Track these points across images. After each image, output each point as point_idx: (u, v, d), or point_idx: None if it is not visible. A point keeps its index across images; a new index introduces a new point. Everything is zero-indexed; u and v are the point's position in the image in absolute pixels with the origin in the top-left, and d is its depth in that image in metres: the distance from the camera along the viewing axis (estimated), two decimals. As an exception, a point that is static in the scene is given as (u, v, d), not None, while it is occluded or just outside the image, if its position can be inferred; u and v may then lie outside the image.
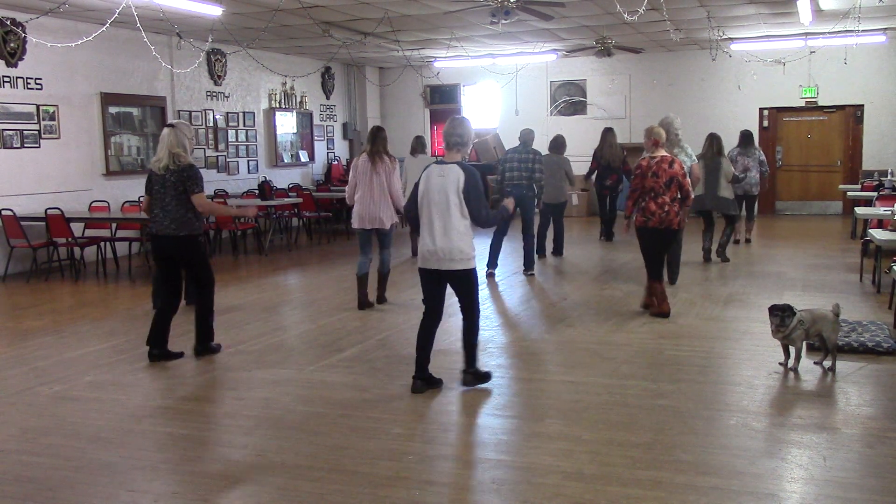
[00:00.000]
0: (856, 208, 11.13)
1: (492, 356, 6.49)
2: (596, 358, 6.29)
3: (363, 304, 8.30)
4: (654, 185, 7.34)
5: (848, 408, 5.16)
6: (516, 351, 6.67)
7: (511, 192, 9.85)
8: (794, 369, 5.80)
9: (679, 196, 7.39)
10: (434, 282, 5.48)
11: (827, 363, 5.84)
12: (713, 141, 10.80)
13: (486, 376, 5.63)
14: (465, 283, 5.45)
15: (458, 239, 5.30)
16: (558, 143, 11.43)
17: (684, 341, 6.78)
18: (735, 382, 5.65)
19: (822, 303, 7.27)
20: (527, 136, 10.22)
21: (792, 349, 5.81)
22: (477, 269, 5.51)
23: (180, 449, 4.59)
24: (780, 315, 5.70)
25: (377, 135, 8.18)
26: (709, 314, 7.70)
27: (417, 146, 11.79)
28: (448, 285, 5.51)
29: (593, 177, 13.38)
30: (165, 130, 6.33)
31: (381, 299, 8.50)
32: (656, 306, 7.55)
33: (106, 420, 5.10)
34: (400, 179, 8.37)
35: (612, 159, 13.01)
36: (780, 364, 5.90)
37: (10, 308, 8.97)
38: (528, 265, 10.25)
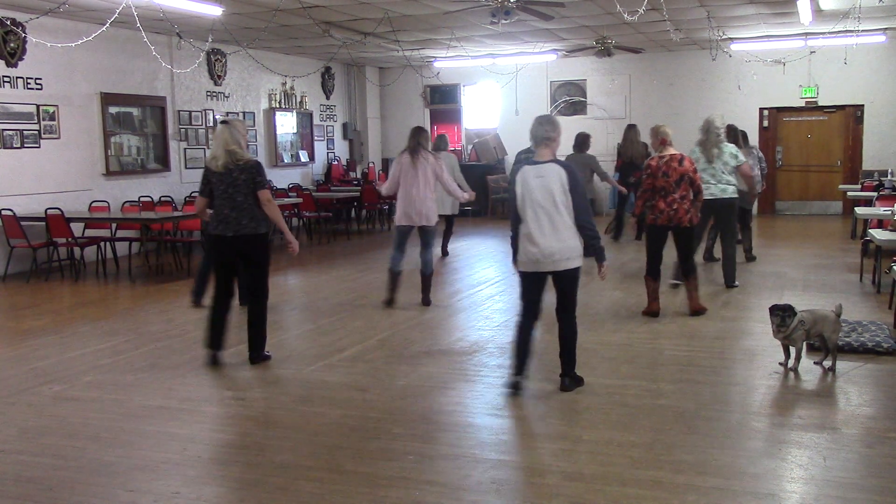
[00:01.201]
0: (856, 208, 11.13)
1: (492, 356, 6.49)
2: (596, 358, 6.29)
3: (391, 301, 8.26)
4: (664, 185, 7.36)
5: (848, 408, 5.17)
6: (516, 351, 6.66)
7: None
8: (795, 369, 5.80)
9: (692, 193, 7.41)
10: (540, 284, 5.36)
11: (827, 363, 5.84)
12: (729, 132, 10.68)
13: (581, 380, 5.53)
14: (574, 281, 5.35)
15: (570, 237, 5.22)
16: (581, 141, 11.34)
17: (684, 341, 6.78)
18: (735, 382, 5.65)
19: (822, 303, 7.27)
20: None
21: (792, 349, 5.81)
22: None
23: (180, 449, 4.59)
24: (781, 315, 5.70)
25: (416, 133, 8.16)
26: (709, 314, 7.69)
27: (441, 144, 11.80)
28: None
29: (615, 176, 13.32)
30: (220, 127, 6.15)
31: (427, 301, 8.33)
32: (693, 303, 7.60)
33: (106, 420, 5.10)
34: (449, 174, 8.26)
35: (634, 156, 12.95)
36: (780, 364, 5.90)
37: (10, 308, 8.97)
38: None
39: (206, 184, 6.20)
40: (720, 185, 8.54)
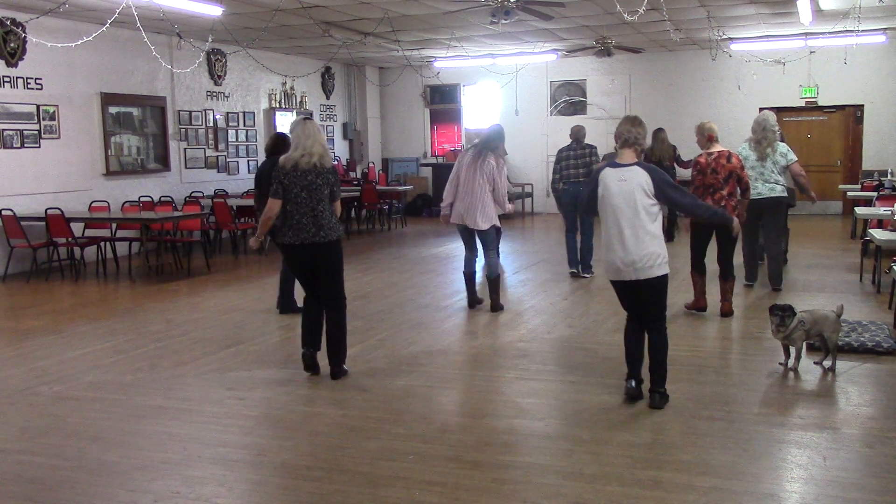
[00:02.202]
0: (856, 208, 11.13)
1: (492, 356, 6.50)
2: (596, 358, 6.29)
3: (472, 302, 8.14)
4: (713, 182, 7.34)
5: (848, 408, 5.17)
6: (516, 351, 6.66)
7: (568, 190, 9.51)
8: (794, 369, 5.80)
9: (738, 190, 7.40)
10: (629, 291, 5.10)
11: (827, 363, 5.84)
12: None
13: (668, 396, 5.15)
14: (660, 289, 5.04)
15: (652, 243, 4.94)
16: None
17: (684, 341, 6.77)
18: (735, 382, 5.65)
19: (822, 303, 7.28)
20: (579, 133, 9.84)
21: (792, 349, 5.82)
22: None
23: (180, 449, 4.59)
24: (781, 315, 5.70)
25: (493, 134, 7.89)
26: (709, 314, 7.69)
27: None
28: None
29: None
30: (309, 124, 5.75)
31: (496, 307, 8.01)
32: (725, 304, 7.60)
33: (106, 420, 5.10)
34: (506, 181, 7.98)
35: (663, 156, 12.98)
36: (780, 364, 5.90)
37: (10, 308, 8.97)
38: (585, 267, 9.84)
39: (278, 184, 5.68)
40: (768, 184, 8.39)
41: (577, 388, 5.53)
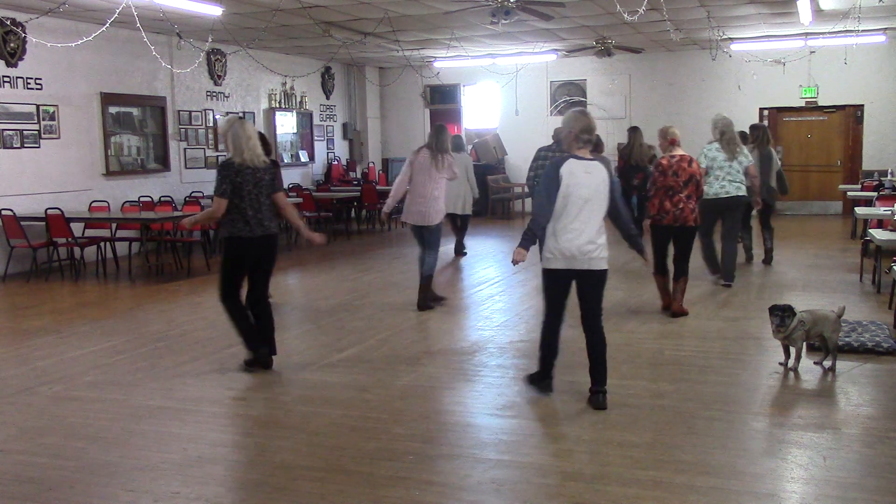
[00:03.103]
0: (856, 208, 11.13)
1: (492, 356, 6.50)
2: (596, 358, 6.28)
3: (435, 299, 8.29)
4: (672, 184, 7.46)
5: (848, 408, 5.17)
6: (516, 351, 6.66)
7: None
8: (794, 369, 5.80)
9: (695, 194, 7.54)
10: (570, 282, 5.18)
11: (827, 363, 5.84)
12: (763, 131, 10.66)
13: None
14: (602, 284, 5.20)
15: (603, 236, 5.12)
16: (595, 143, 11.31)
17: (684, 341, 6.78)
18: (735, 382, 5.65)
19: (822, 303, 7.27)
20: (560, 135, 10.07)
21: (792, 349, 5.82)
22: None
23: (180, 449, 4.59)
24: (781, 315, 5.70)
25: (438, 132, 8.08)
26: (709, 314, 7.70)
27: (458, 144, 11.90)
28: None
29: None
30: (247, 123, 5.99)
31: (423, 305, 8.10)
32: (675, 304, 7.65)
33: (106, 420, 5.10)
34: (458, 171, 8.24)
35: (639, 159, 12.99)
36: (780, 364, 5.90)
37: (10, 308, 8.97)
38: None
39: (228, 183, 5.84)
40: (735, 184, 8.68)
41: (577, 388, 5.52)
